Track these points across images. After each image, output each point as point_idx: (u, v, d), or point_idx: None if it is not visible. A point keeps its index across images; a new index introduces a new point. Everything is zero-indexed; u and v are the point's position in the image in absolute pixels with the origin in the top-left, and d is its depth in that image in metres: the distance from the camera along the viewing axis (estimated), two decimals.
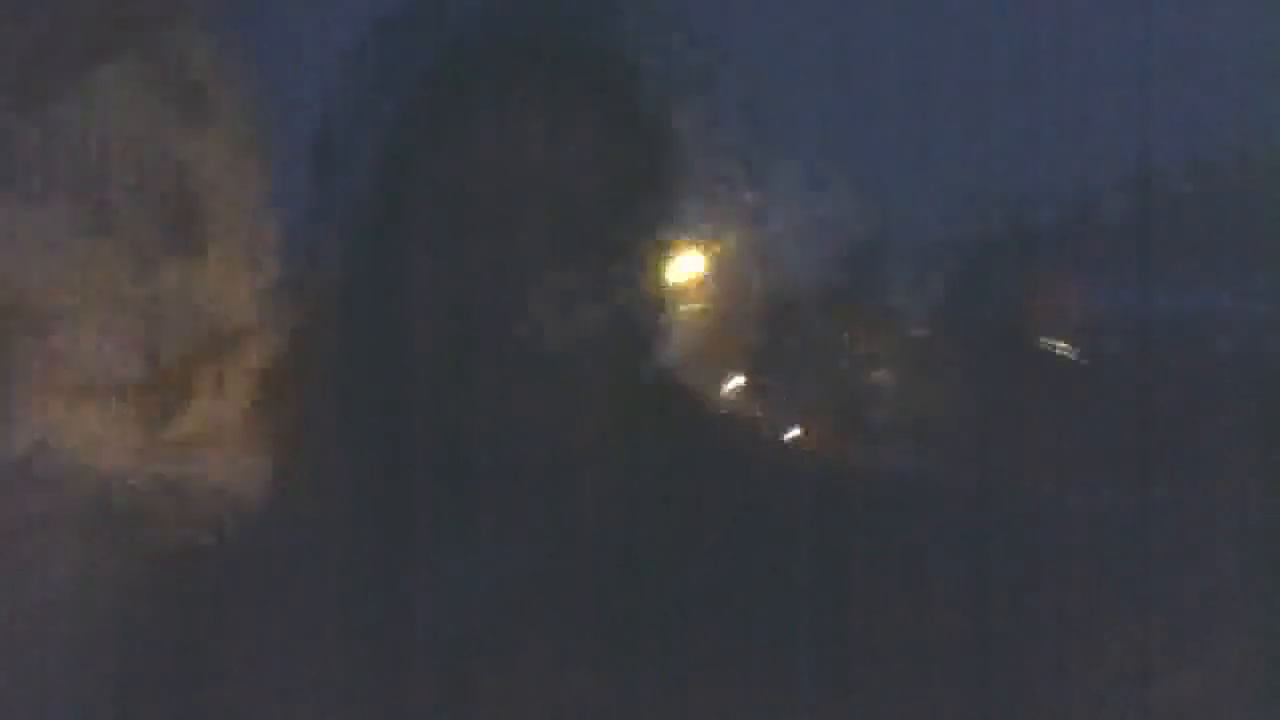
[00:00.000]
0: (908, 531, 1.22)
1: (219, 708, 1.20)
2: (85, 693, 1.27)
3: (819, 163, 1.45)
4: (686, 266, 1.39)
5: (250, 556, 1.25)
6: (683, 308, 1.36)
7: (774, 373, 1.52)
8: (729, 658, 1.16)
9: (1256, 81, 1.43)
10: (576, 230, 1.17)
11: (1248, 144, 1.48)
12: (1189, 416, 1.41)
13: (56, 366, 1.51)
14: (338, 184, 1.21)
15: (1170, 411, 1.41)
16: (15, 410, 1.51)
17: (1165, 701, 1.25)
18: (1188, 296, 1.51)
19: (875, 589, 1.17)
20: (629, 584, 1.17)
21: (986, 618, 1.19)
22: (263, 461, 1.32)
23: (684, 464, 1.21)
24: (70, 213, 1.55)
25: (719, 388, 1.49)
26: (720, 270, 1.43)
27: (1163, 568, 1.29)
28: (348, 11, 1.24)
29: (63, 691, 1.28)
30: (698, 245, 1.39)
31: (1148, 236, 1.46)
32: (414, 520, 1.19)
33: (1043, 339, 1.54)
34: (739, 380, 1.51)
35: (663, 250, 1.24)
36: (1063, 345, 1.55)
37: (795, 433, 1.50)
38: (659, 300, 1.23)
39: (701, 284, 1.44)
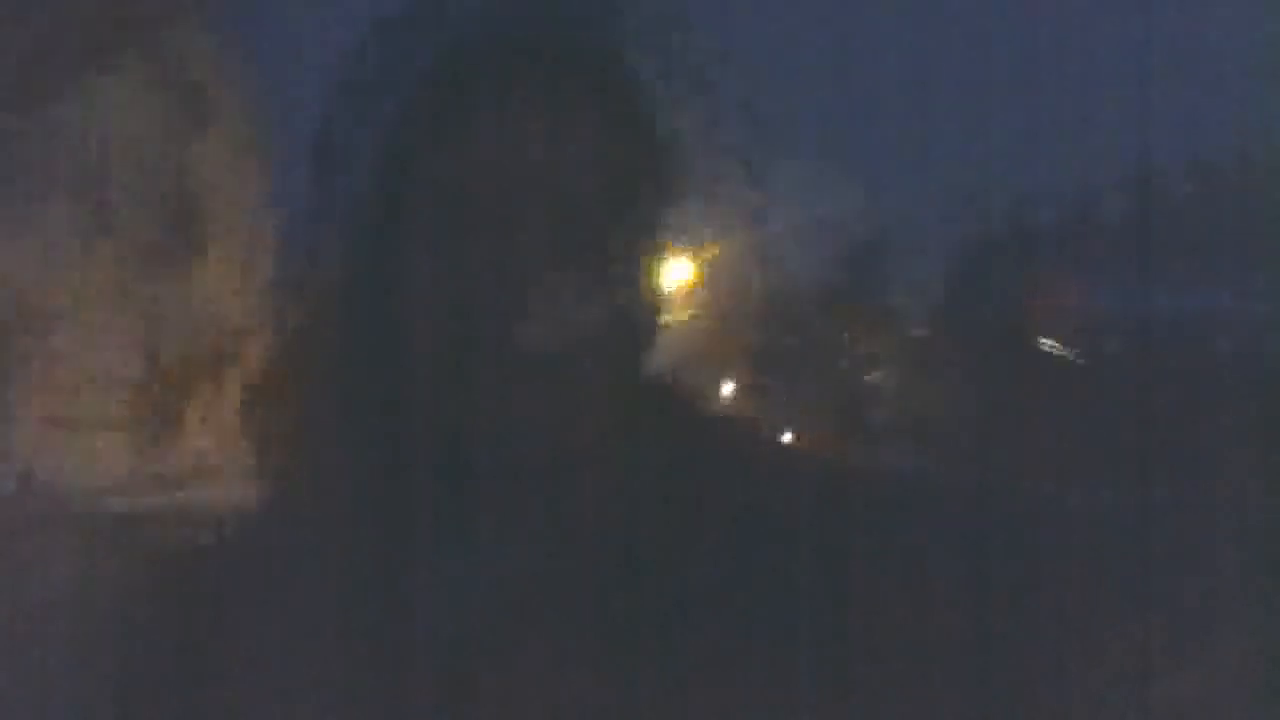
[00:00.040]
0: (908, 531, 1.22)
1: (219, 708, 1.20)
2: (84, 678, 1.27)
3: (819, 163, 1.45)
4: (686, 267, 1.39)
5: (250, 556, 1.25)
6: (683, 308, 1.36)
7: (774, 373, 1.52)
8: (729, 658, 1.16)
9: (1256, 81, 1.43)
10: (576, 230, 1.16)
11: (1248, 144, 1.48)
12: (1189, 416, 1.41)
13: (58, 363, 1.51)
14: (338, 184, 1.21)
15: (1170, 411, 1.41)
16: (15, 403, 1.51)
17: (1165, 701, 1.25)
18: (1187, 296, 1.51)
19: (875, 589, 1.17)
20: (629, 584, 1.17)
21: (986, 618, 1.19)
22: (263, 461, 1.32)
23: (684, 464, 1.21)
24: (70, 213, 1.55)
25: (719, 388, 1.49)
26: (720, 270, 1.43)
27: (1162, 567, 1.29)
28: (348, 11, 1.24)
29: (61, 687, 1.28)
30: (698, 246, 1.39)
31: (1148, 236, 1.46)
32: (414, 520, 1.19)
33: (1042, 339, 1.54)
34: (739, 380, 1.51)
35: (663, 250, 1.24)
36: (1062, 345, 1.55)
37: (795, 433, 1.50)
38: (659, 300, 1.23)
39: (701, 284, 1.44)
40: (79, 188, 1.50)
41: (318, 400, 1.24)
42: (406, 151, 1.18)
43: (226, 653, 1.21)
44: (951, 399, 1.55)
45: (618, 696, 1.15)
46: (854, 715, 1.16)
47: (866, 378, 1.55)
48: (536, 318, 1.15)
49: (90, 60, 1.50)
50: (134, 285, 1.53)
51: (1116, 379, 1.50)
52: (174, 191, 1.52)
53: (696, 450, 1.23)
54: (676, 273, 1.31)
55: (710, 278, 1.44)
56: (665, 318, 1.24)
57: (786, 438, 1.48)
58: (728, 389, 1.49)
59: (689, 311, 1.41)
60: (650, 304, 1.22)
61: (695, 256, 1.41)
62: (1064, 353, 1.55)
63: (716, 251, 1.42)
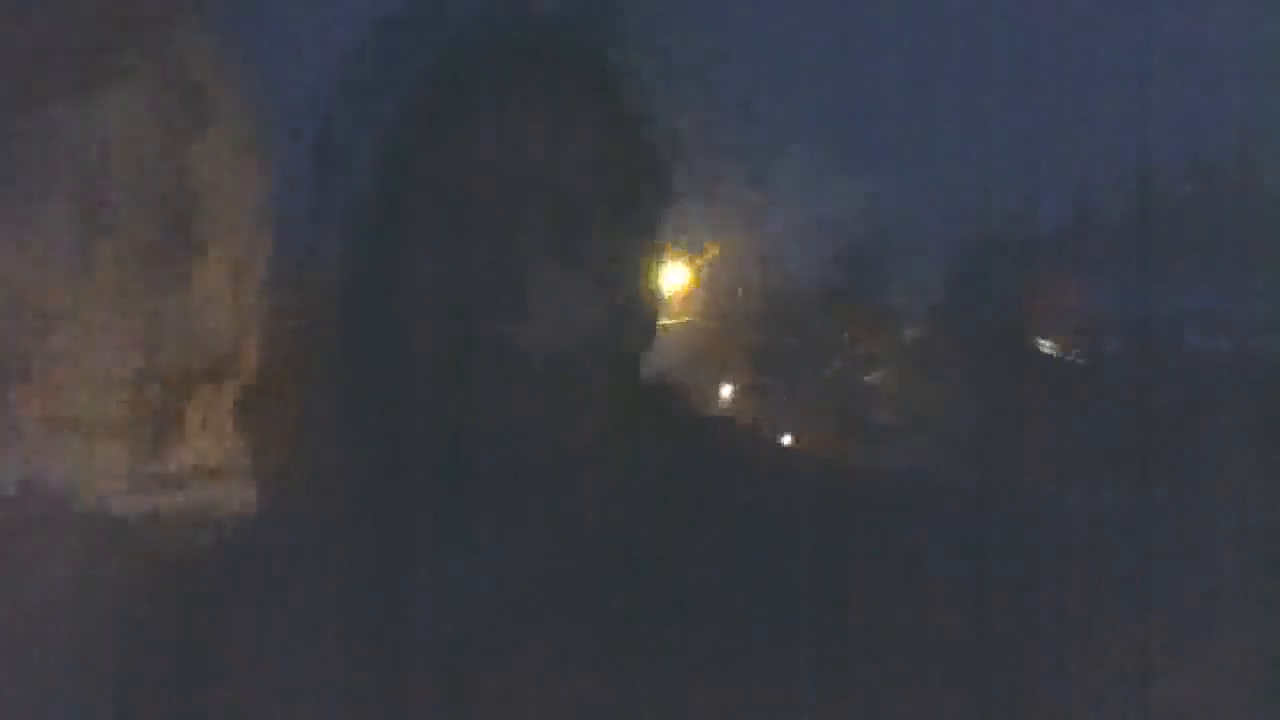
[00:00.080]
0: (907, 531, 1.22)
1: (219, 708, 1.20)
2: (82, 670, 1.27)
3: (819, 163, 1.45)
4: (686, 267, 1.39)
5: (250, 556, 1.25)
6: (682, 308, 1.36)
7: (773, 373, 1.52)
8: (729, 658, 1.15)
9: (1257, 81, 1.43)
10: (576, 230, 1.16)
11: (1247, 143, 1.48)
12: (1188, 415, 1.41)
13: (62, 361, 1.51)
14: (338, 184, 1.21)
15: (1168, 411, 1.41)
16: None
17: (1165, 701, 1.24)
18: (1187, 296, 1.51)
19: (875, 589, 1.17)
20: (629, 584, 1.17)
21: (986, 617, 1.19)
22: (262, 462, 1.32)
23: (684, 464, 1.21)
24: (68, 212, 1.55)
25: (719, 388, 1.49)
26: (720, 270, 1.43)
27: (1163, 567, 1.29)
28: (347, 11, 1.24)
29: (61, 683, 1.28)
30: (698, 246, 1.39)
31: (1147, 236, 1.46)
32: (414, 520, 1.19)
33: (1042, 338, 1.54)
34: (738, 380, 1.51)
35: (662, 250, 1.24)
36: (1062, 345, 1.54)
37: (794, 433, 1.50)
38: (658, 300, 1.23)
39: (701, 285, 1.44)
40: (78, 188, 1.50)
41: (317, 400, 1.24)
42: (406, 151, 1.17)
43: (227, 653, 1.21)
44: (951, 398, 1.54)
45: (618, 696, 1.15)
46: (854, 715, 1.16)
47: (866, 378, 1.55)
48: (536, 318, 1.15)
49: (90, 61, 1.50)
50: (133, 285, 1.53)
51: (1116, 378, 1.50)
52: (173, 191, 1.51)
53: (696, 450, 1.23)
54: (676, 273, 1.31)
55: (710, 278, 1.44)
56: (665, 318, 1.24)
57: (786, 438, 1.48)
58: (727, 389, 1.49)
59: (689, 311, 1.41)
60: (650, 304, 1.22)
61: (695, 257, 1.41)
62: (1064, 352, 1.55)
63: (716, 252, 1.42)
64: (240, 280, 1.48)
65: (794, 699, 1.15)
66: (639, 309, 1.21)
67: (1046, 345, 1.55)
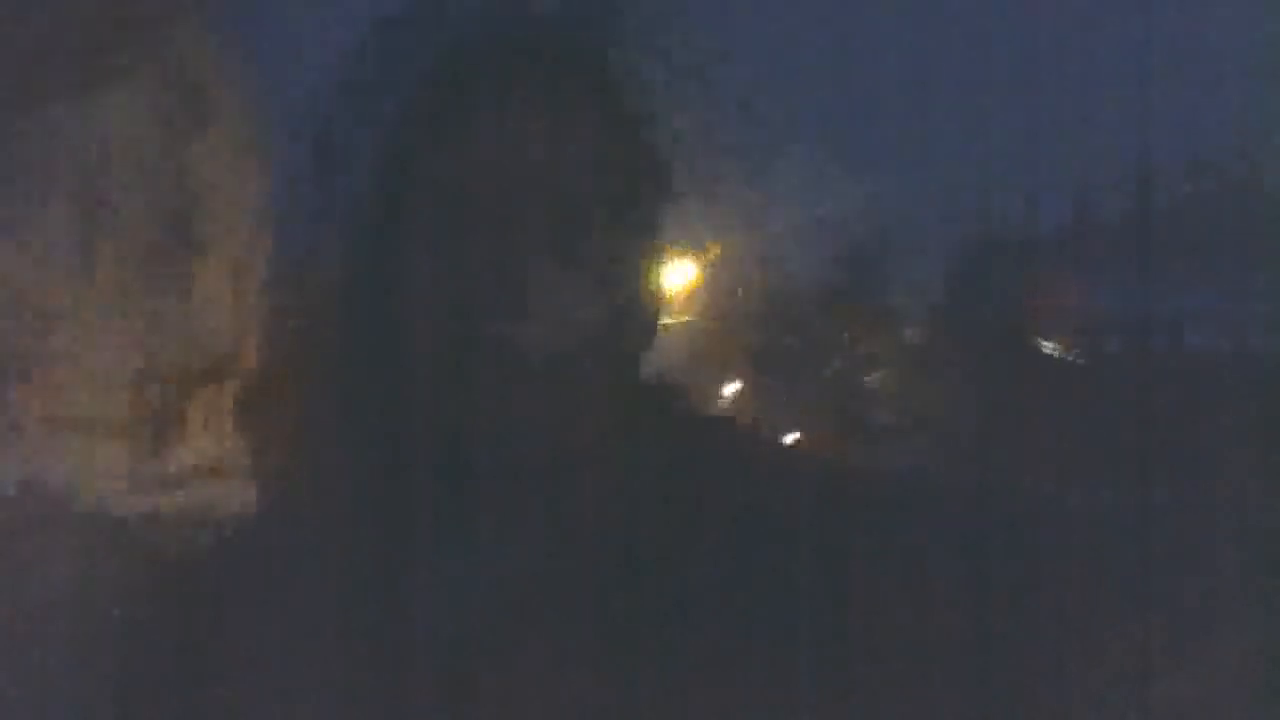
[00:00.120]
0: (907, 531, 1.22)
1: (219, 708, 1.20)
2: (81, 664, 1.27)
3: (819, 163, 1.45)
4: (686, 267, 1.39)
5: (250, 556, 1.25)
6: (682, 308, 1.36)
7: (773, 373, 1.52)
8: (729, 658, 1.16)
9: (1257, 81, 1.43)
10: (576, 230, 1.17)
11: (1248, 143, 1.48)
12: (1188, 416, 1.41)
13: (61, 361, 1.51)
14: (338, 184, 1.21)
15: (1169, 411, 1.41)
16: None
17: (1165, 701, 1.25)
18: (1187, 296, 1.51)
19: (875, 589, 1.17)
20: (629, 584, 1.17)
21: (986, 617, 1.19)
22: (262, 462, 1.32)
23: (684, 464, 1.21)
24: (67, 212, 1.55)
25: (719, 388, 1.49)
26: (720, 270, 1.43)
27: (1163, 567, 1.29)
28: (347, 11, 1.24)
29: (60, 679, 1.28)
30: (697, 245, 1.39)
31: (1148, 236, 1.46)
32: (414, 520, 1.19)
33: (1042, 338, 1.54)
34: (738, 380, 1.51)
35: (662, 250, 1.24)
36: (1062, 345, 1.55)
37: (794, 433, 1.50)
38: (658, 300, 1.23)
39: (701, 284, 1.44)
40: (78, 187, 1.50)
41: (317, 400, 1.24)
42: (406, 151, 1.18)
43: (227, 653, 1.21)
44: (951, 399, 1.55)
45: (618, 696, 1.15)
46: (854, 715, 1.16)
47: (866, 378, 1.55)
48: (536, 318, 1.15)
49: (90, 61, 1.50)
50: (132, 285, 1.53)
51: (1116, 378, 1.50)
52: (173, 191, 1.51)
53: (696, 450, 1.23)
54: (676, 273, 1.31)
55: (710, 278, 1.44)
56: (665, 318, 1.24)
57: (786, 438, 1.48)
58: (727, 389, 1.49)
59: (688, 311, 1.41)
60: (650, 304, 1.22)
61: (695, 256, 1.41)
62: (1064, 352, 1.55)
63: (716, 251, 1.42)
64: (240, 280, 1.48)
65: (794, 699, 1.16)
66: (639, 309, 1.21)
67: (1047, 345, 1.55)
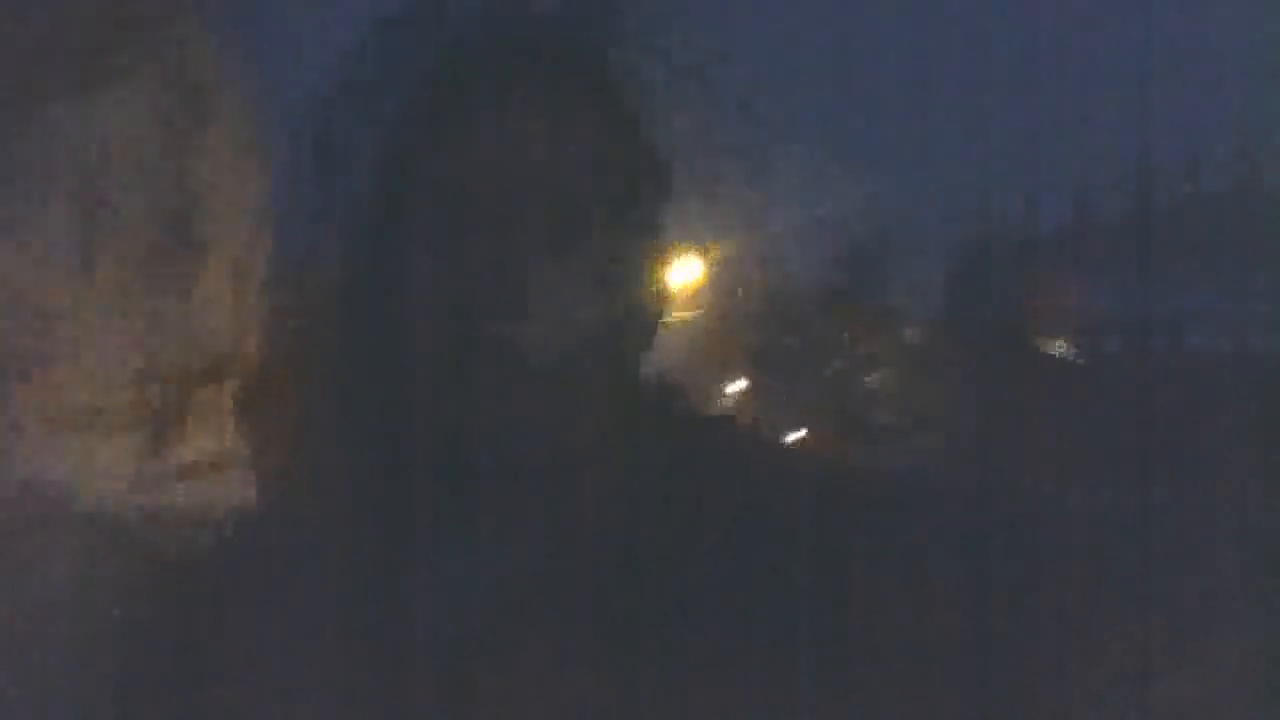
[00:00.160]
0: (907, 532, 1.22)
1: (219, 707, 1.20)
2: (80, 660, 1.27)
3: (819, 163, 1.45)
4: (686, 267, 1.39)
5: (250, 556, 1.25)
6: (682, 308, 1.36)
7: (774, 373, 1.52)
8: (729, 658, 1.16)
9: (1258, 82, 1.43)
10: (576, 230, 1.16)
11: (1248, 144, 1.48)
12: (1188, 416, 1.41)
13: (60, 359, 1.51)
14: (338, 184, 1.21)
15: (1169, 411, 1.41)
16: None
17: (1165, 701, 1.25)
18: (1187, 296, 1.51)
19: (875, 589, 1.17)
20: (629, 584, 1.17)
21: (986, 618, 1.19)
22: (262, 462, 1.32)
23: (684, 464, 1.21)
24: (67, 212, 1.55)
25: (719, 388, 1.49)
26: (720, 270, 1.43)
27: (1163, 567, 1.29)
28: (348, 11, 1.24)
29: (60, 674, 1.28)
30: (697, 245, 1.39)
31: (1148, 236, 1.46)
32: (413, 520, 1.19)
33: (1042, 339, 1.54)
34: (739, 381, 1.51)
35: (662, 250, 1.24)
36: (1062, 345, 1.55)
37: (795, 433, 1.50)
38: (658, 300, 1.23)
39: (701, 284, 1.44)
40: (77, 188, 1.50)
41: (317, 400, 1.24)
42: (406, 151, 1.18)
43: (227, 653, 1.21)
44: (951, 399, 1.55)
45: (618, 696, 1.15)
46: (854, 715, 1.16)
47: (866, 378, 1.55)
48: (536, 318, 1.15)
49: (89, 61, 1.50)
50: (132, 285, 1.53)
51: (1116, 378, 1.50)
52: (173, 191, 1.51)
53: (696, 450, 1.23)
54: (676, 273, 1.31)
55: (710, 278, 1.43)
56: (665, 318, 1.24)
57: (786, 438, 1.48)
58: (728, 389, 1.49)
59: (689, 311, 1.41)
60: (650, 304, 1.22)
61: (695, 256, 1.41)
62: (1064, 352, 1.55)
63: (716, 251, 1.42)
64: (240, 280, 1.48)
65: (794, 699, 1.16)
66: (639, 309, 1.21)
67: (1047, 345, 1.55)
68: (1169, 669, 1.25)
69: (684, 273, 1.36)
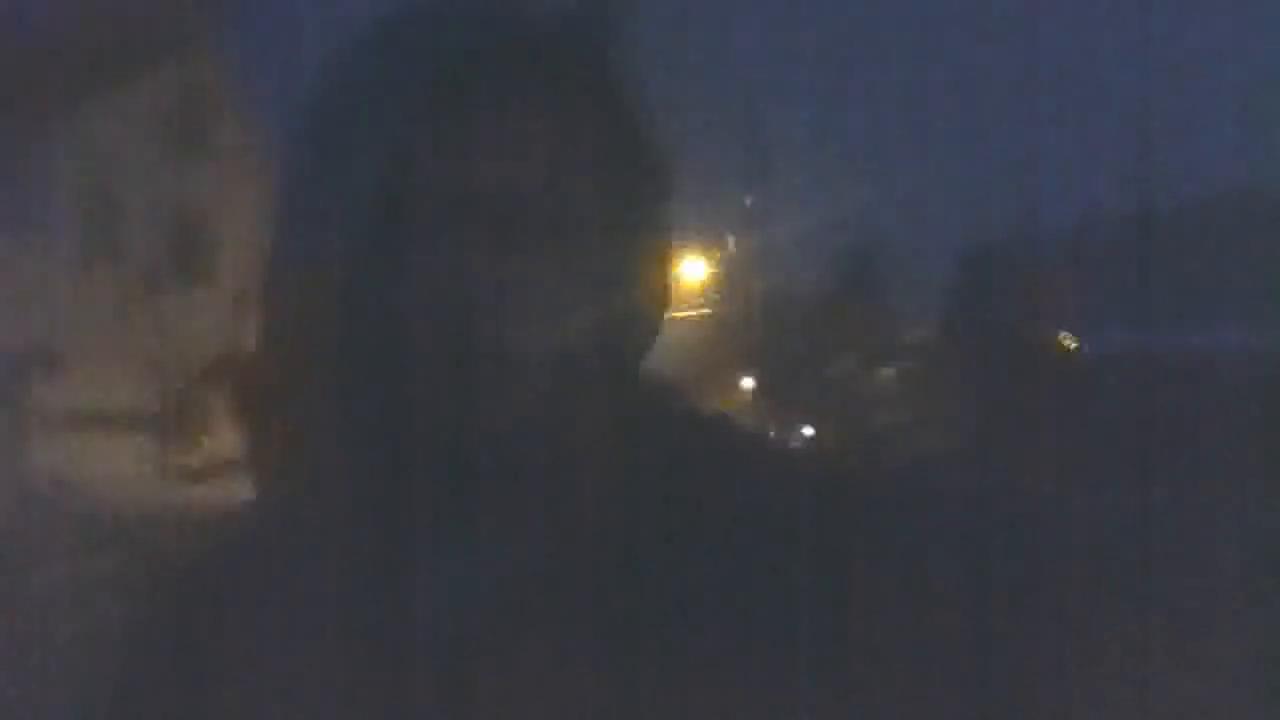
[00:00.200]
0: (908, 532, 1.22)
1: (219, 707, 1.20)
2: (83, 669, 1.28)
3: (820, 163, 1.45)
4: (687, 267, 1.39)
5: (250, 556, 1.25)
6: (683, 308, 1.36)
7: (774, 373, 1.53)
8: (729, 658, 1.16)
9: (1258, 85, 1.43)
10: (576, 230, 1.16)
11: (1248, 144, 1.48)
12: (1188, 416, 1.41)
13: (66, 360, 1.51)
14: (338, 184, 1.21)
15: (1169, 411, 1.41)
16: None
17: (1165, 701, 1.25)
18: (1187, 296, 1.51)
19: (875, 589, 1.17)
20: (629, 584, 1.17)
21: (987, 618, 1.19)
22: (262, 463, 1.33)
23: (684, 464, 1.21)
24: (76, 216, 1.55)
25: (720, 388, 1.49)
26: (721, 271, 1.44)
27: (1163, 567, 1.29)
28: (348, 11, 1.24)
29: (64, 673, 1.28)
30: (699, 246, 1.39)
31: (1149, 236, 1.47)
32: (416, 520, 1.19)
33: (1041, 349, 1.54)
34: (740, 381, 1.51)
35: (663, 251, 1.24)
36: (1063, 345, 1.55)
37: (796, 433, 1.50)
38: (659, 301, 1.23)
39: (702, 285, 1.44)
40: (78, 189, 1.50)
41: (317, 401, 1.24)
42: (406, 152, 1.17)
43: (226, 653, 1.21)
44: (953, 399, 1.55)
45: (618, 696, 1.15)
46: (854, 715, 1.16)
47: (867, 378, 1.55)
48: (536, 318, 1.15)
49: (89, 56, 1.51)
50: (135, 287, 1.53)
51: (1116, 378, 1.50)
52: (173, 193, 1.52)
53: (696, 450, 1.23)
54: (677, 273, 1.31)
55: (711, 278, 1.44)
56: (666, 318, 1.24)
57: (788, 438, 1.48)
58: (728, 389, 1.49)
59: (690, 312, 1.41)
60: (651, 304, 1.22)
61: (696, 257, 1.42)
62: (1065, 352, 1.55)
63: (717, 252, 1.42)
64: (242, 281, 1.48)
65: (794, 699, 1.16)
66: (640, 309, 1.21)
67: (1049, 346, 1.56)
68: (1169, 669, 1.25)
69: (685, 273, 1.36)
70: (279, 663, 1.19)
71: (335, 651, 1.18)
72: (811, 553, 1.17)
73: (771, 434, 1.48)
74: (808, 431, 1.50)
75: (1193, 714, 1.28)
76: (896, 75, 1.41)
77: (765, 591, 1.16)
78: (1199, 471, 1.39)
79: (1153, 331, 1.51)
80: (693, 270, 1.41)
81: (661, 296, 1.23)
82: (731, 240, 1.43)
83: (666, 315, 1.23)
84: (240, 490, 1.34)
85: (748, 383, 1.52)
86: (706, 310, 1.46)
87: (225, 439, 1.42)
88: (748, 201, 1.39)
